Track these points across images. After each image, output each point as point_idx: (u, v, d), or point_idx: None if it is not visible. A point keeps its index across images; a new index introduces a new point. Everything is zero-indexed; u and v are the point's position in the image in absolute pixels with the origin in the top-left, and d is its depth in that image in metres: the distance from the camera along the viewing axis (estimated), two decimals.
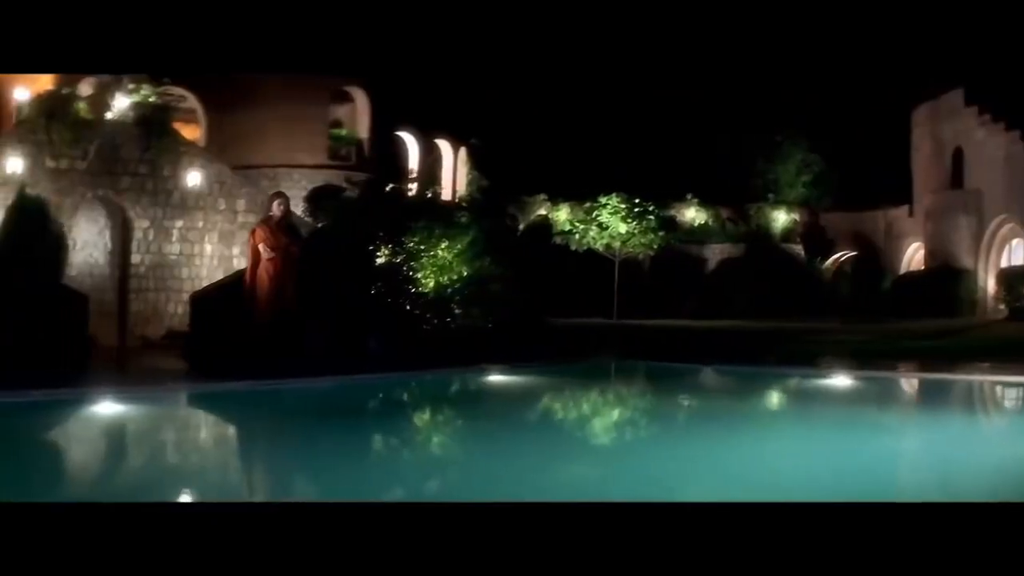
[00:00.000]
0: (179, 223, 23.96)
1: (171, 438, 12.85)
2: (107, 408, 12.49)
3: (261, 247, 17.17)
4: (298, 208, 26.29)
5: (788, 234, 44.44)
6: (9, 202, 19.60)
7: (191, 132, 32.38)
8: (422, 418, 15.22)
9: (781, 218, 44.49)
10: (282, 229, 17.43)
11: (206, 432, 14.11)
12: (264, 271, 17.20)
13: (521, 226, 35.41)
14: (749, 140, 45.86)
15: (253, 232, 17.70)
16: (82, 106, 22.57)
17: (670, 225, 35.22)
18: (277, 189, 29.34)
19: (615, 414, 15.99)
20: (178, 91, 30.89)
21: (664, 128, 45.40)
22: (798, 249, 44.28)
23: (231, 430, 14.22)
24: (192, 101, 32.23)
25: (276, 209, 17.64)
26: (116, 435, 12.45)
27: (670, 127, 45.42)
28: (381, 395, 16.28)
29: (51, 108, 22.21)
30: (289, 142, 31.70)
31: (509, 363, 17.83)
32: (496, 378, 17.15)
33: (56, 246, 18.37)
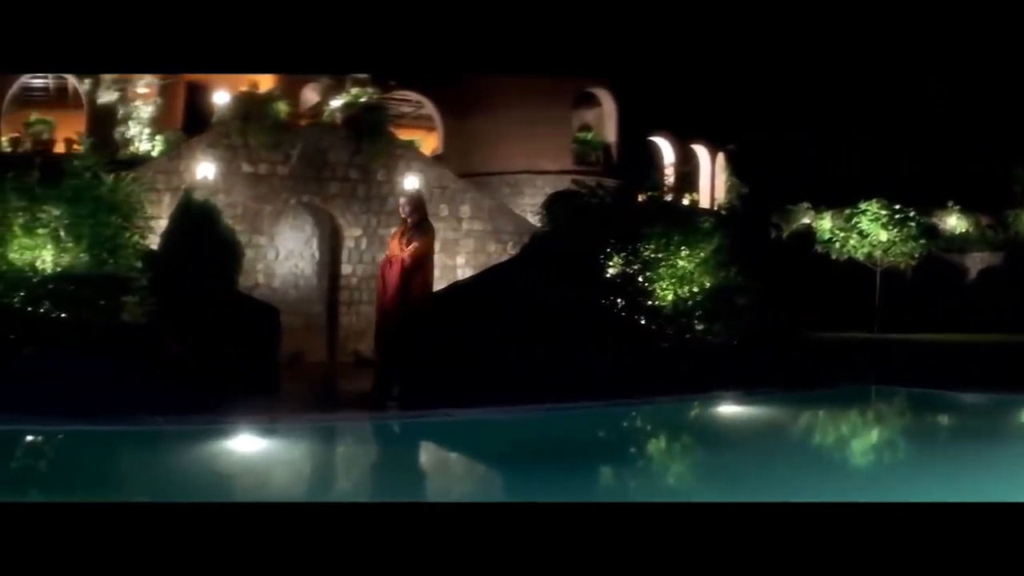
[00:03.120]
0: (394, 231, 21.20)
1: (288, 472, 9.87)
2: (244, 442, 10.30)
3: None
4: (529, 215, 23.73)
5: None
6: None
7: (431, 139, 30.38)
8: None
9: None
10: (409, 232, 15.08)
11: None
12: (379, 279, 15.25)
13: (784, 235, 32.10)
14: (1006, 143, 41.24)
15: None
16: (281, 107, 20.15)
17: (931, 233, 31.33)
18: (520, 196, 27.17)
19: (870, 468, 11.79)
20: (414, 96, 29.20)
21: (923, 131, 41.34)
22: None
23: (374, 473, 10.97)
24: (428, 107, 29.62)
25: (402, 211, 15.55)
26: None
27: (928, 130, 41.35)
28: (602, 431, 13.10)
29: (247, 110, 20.06)
30: (531, 147, 28.78)
31: (747, 388, 15.12)
32: (731, 409, 14.46)
33: (227, 254, 15.68)
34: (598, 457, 11.04)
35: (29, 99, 26.39)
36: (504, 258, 20.88)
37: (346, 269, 21.09)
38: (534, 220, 22.50)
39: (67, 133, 22.46)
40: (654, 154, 32.90)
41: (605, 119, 30.90)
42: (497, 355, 14.86)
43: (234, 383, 13.29)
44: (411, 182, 21.48)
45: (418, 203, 15.59)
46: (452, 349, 15.00)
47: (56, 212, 13.53)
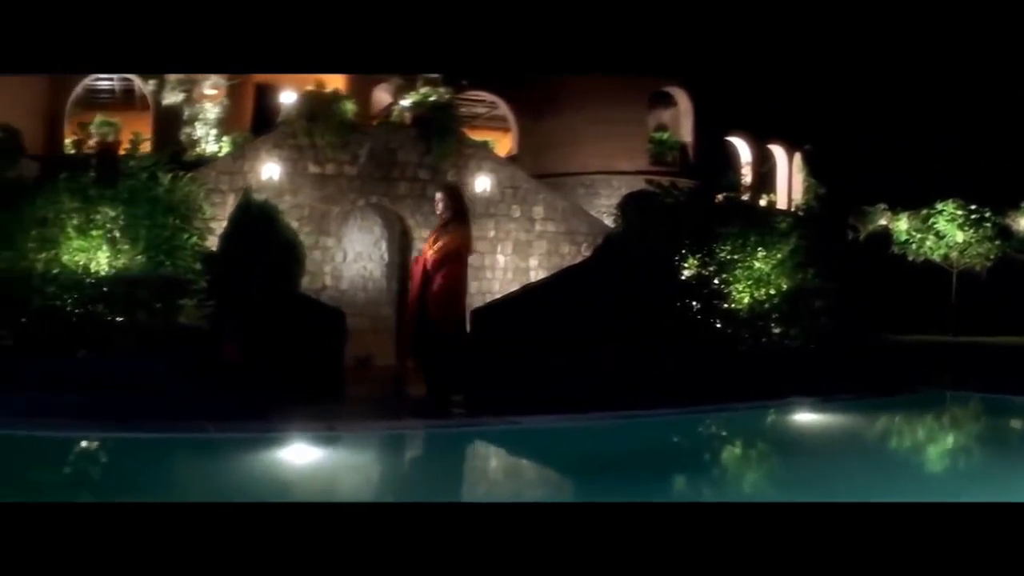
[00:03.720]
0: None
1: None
2: (294, 452, 9.70)
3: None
4: (606, 217, 22.94)
5: None
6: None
7: (506, 140, 29.88)
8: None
9: None
10: (440, 230, 13.61)
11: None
12: (413, 282, 13.71)
13: (861, 237, 31.34)
14: None
15: None
16: (349, 107, 19.65)
17: (1006, 234, 30.39)
18: (596, 197, 26.58)
19: (961, 478, 10.88)
20: (488, 97, 28.81)
21: (999, 130, 40.32)
22: None
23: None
24: (502, 107, 29.15)
25: (436, 207, 14.05)
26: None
27: (1001, 129, 40.32)
28: (678, 439, 12.40)
29: (313, 109, 19.56)
30: (606, 147, 28.21)
31: (824, 394, 14.41)
32: (809, 416, 13.66)
33: (288, 255, 15.22)
34: (674, 467, 10.37)
35: (95, 101, 26.30)
36: (578, 260, 20.27)
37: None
38: (610, 222, 21.89)
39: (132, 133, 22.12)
40: (731, 154, 32.33)
41: (681, 118, 30.37)
42: (567, 360, 14.18)
43: (296, 388, 12.71)
44: (482, 182, 20.96)
45: (453, 198, 13.91)
46: (520, 353, 14.37)
47: (112, 213, 13.09)
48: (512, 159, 26.23)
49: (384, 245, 21.39)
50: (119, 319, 12.60)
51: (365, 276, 21.26)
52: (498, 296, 19.55)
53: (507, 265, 21.47)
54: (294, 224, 18.33)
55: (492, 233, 21.30)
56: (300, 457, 9.53)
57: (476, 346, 15.48)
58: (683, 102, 30.09)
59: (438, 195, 13.98)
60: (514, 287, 20.22)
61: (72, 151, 21.02)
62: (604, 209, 24.73)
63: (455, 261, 13.18)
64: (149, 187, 13.39)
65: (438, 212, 13.85)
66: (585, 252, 20.98)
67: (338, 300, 19.26)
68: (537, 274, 21.14)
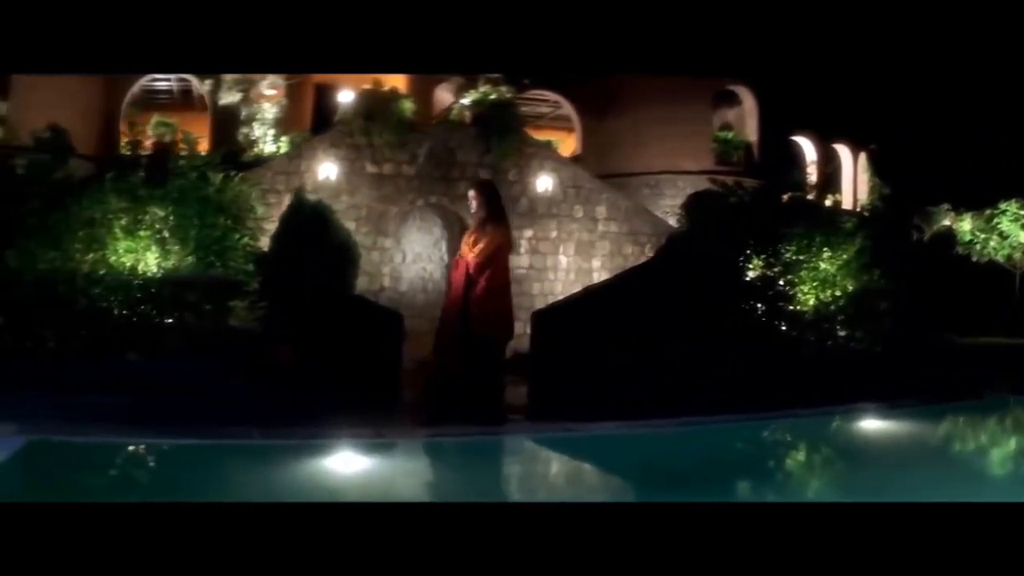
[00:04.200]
0: (528, 233, 20.58)
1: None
2: (339, 460, 9.14)
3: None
4: (670, 217, 22.44)
5: None
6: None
7: (570, 140, 29.46)
8: None
9: None
10: (482, 230, 12.23)
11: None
12: (454, 285, 12.43)
13: (925, 238, 30.74)
14: None
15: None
16: (407, 106, 19.26)
17: None
18: (660, 197, 26.09)
19: None
20: (552, 96, 28.42)
21: None
22: None
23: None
24: (566, 107, 28.71)
25: (470, 204, 12.73)
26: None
27: None
28: (744, 447, 11.60)
29: (371, 108, 19.16)
30: (670, 147, 27.71)
31: (891, 399, 13.58)
32: (878, 423, 12.82)
33: (342, 256, 14.84)
34: (738, 481, 9.82)
35: (153, 102, 26.20)
36: (641, 261, 19.78)
37: None
38: (674, 222, 21.40)
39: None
40: (796, 154, 31.78)
41: (746, 117, 29.87)
42: (632, 360, 13.70)
43: (351, 392, 12.29)
44: (544, 181, 20.53)
45: (487, 195, 12.46)
46: (584, 354, 13.90)
47: (161, 213, 12.77)
48: (576, 159, 25.82)
49: (444, 246, 21.02)
50: (168, 320, 12.26)
51: (424, 277, 20.91)
52: (560, 298, 19.05)
53: (569, 266, 21.04)
54: (351, 225, 18.00)
55: (554, 234, 20.88)
56: (342, 465, 9.08)
57: (538, 348, 15.07)
58: (748, 101, 29.56)
59: (470, 192, 12.69)
60: (576, 289, 19.75)
61: (127, 152, 20.77)
62: (668, 209, 24.26)
63: (496, 262, 12.10)
64: (199, 187, 13.07)
65: (472, 211, 12.61)
66: (648, 253, 20.50)
67: (397, 302, 18.93)
68: (600, 275, 20.70)
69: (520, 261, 20.45)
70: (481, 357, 12.03)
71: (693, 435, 11.18)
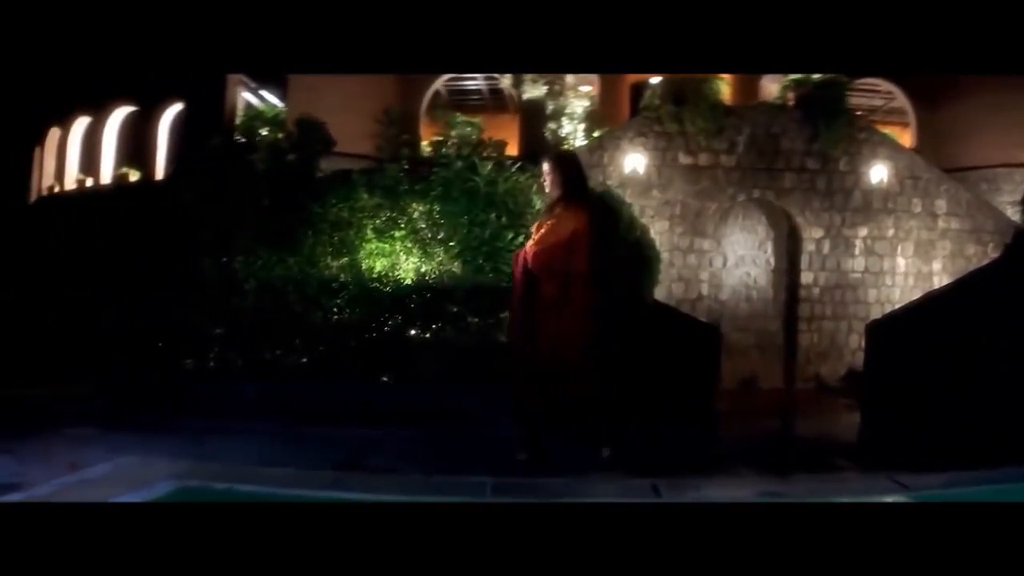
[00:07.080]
0: (862, 231, 17.73)
1: None
2: None
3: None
4: (1009, 215, 19.43)
5: None
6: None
7: (904, 136, 26.21)
8: None
9: None
10: (550, 212, 7.72)
11: None
12: (515, 294, 7.79)
13: None
14: None
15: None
16: (722, 87, 16.59)
17: None
18: (997, 193, 22.50)
19: None
20: (884, 87, 25.46)
21: None
22: None
23: None
24: (900, 98, 25.47)
25: (544, 184, 7.95)
26: None
27: None
28: None
29: (680, 92, 16.64)
30: (1008, 137, 23.91)
31: None
32: None
33: (633, 259, 12.00)
34: None
35: (463, 103, 24.65)
36: (984, 262, 16.25)
37: (806, 278, 17.45)
38: (1016, 219, 18.05)
39: (500, 136, 19.75)
40: None
41: None
42: (968, 394, 10.26)
43: (648, 422, 9.46)
44: (878, 171, 17.43)
45: (565, 169, 7.77)
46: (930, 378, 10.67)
47: (420, 209, 10.46)
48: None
49: (769, 248, 18.25)
50: (425, 336, 9.87)
51: (748, 284, 18.23)
52: (898, 306, 15.93)
53: (908, 269, 17.94)
54: (663, 224, 15.55)
55: (891, 232, 17.83)
56: None
57: (873, 367, 11.91)
58: None
59: (544, 166, 7.83)
60: (916, 295, 16.48)
61: (429, 152, 18.77)
62: (1008, 207, 20.89)
63: (573, 256, 7.43)
64: (466, 178, 10.67)
65: (546, 190, 7.97)
66: (992, 253, 17.19)
67: (718, 312, 16.48)
68: (940, 280, 17.71)
69: (854, 264, 17.57)
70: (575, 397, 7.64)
71: None
